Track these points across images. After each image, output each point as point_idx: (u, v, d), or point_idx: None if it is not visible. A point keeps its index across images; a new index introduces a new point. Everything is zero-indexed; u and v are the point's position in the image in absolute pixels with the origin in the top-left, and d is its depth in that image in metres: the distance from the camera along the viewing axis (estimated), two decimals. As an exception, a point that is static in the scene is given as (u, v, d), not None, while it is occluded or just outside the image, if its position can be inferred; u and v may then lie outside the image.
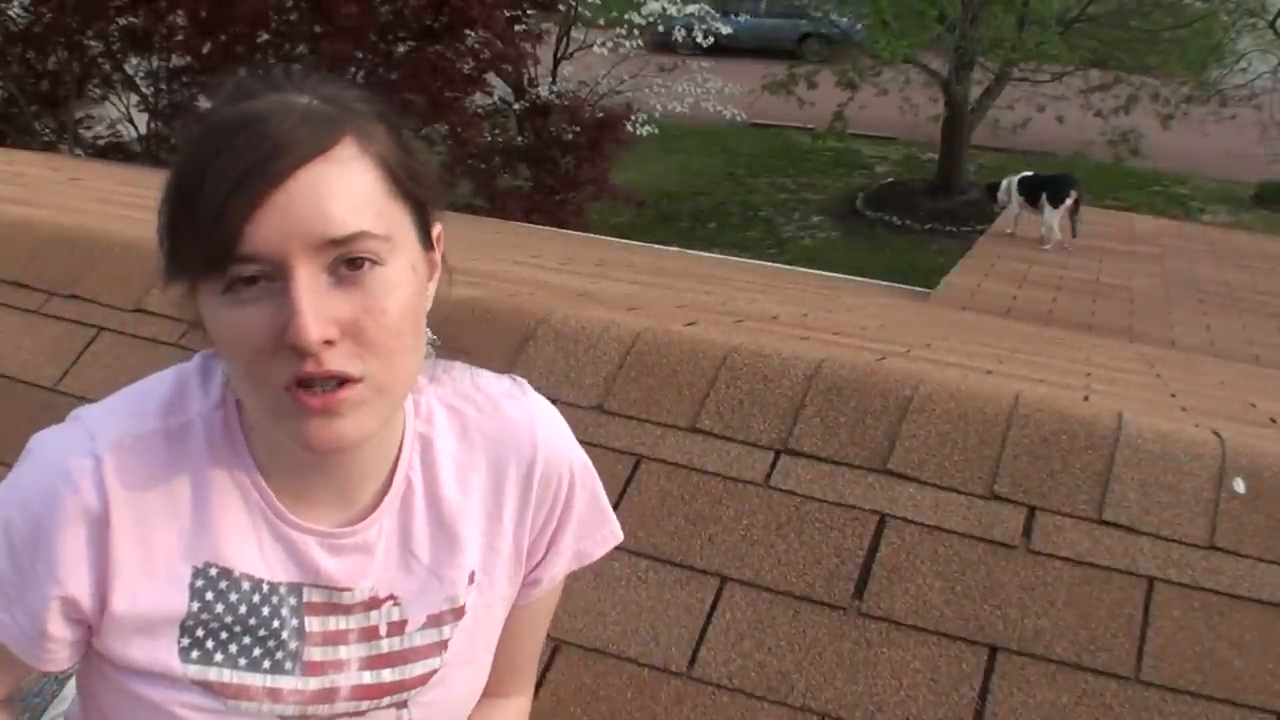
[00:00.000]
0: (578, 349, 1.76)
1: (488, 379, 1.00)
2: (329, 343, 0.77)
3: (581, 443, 1.64)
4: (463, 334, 1.79)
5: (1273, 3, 13.86)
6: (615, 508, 1.57)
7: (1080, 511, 1.49)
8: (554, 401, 1.73)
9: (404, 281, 0.81)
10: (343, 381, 0.79)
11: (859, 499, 1.54)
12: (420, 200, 0.85)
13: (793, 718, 1.38)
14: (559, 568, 1.03)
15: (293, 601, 0.90)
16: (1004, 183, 8.41)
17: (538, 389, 1.72)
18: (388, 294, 0.80)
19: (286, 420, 0.80)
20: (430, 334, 0.93)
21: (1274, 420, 2.23)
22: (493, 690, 1.06)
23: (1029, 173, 8.44)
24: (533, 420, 0.99)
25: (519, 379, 1.02)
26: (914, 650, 1.41)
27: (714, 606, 1.47)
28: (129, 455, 0.86)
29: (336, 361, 0.78)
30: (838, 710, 1.38)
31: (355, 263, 0.78)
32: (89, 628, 0.88)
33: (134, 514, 0.86)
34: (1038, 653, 1.39)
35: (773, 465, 1.59)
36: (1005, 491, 1.52)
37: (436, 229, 0.89)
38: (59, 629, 0.87)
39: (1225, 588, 1.41)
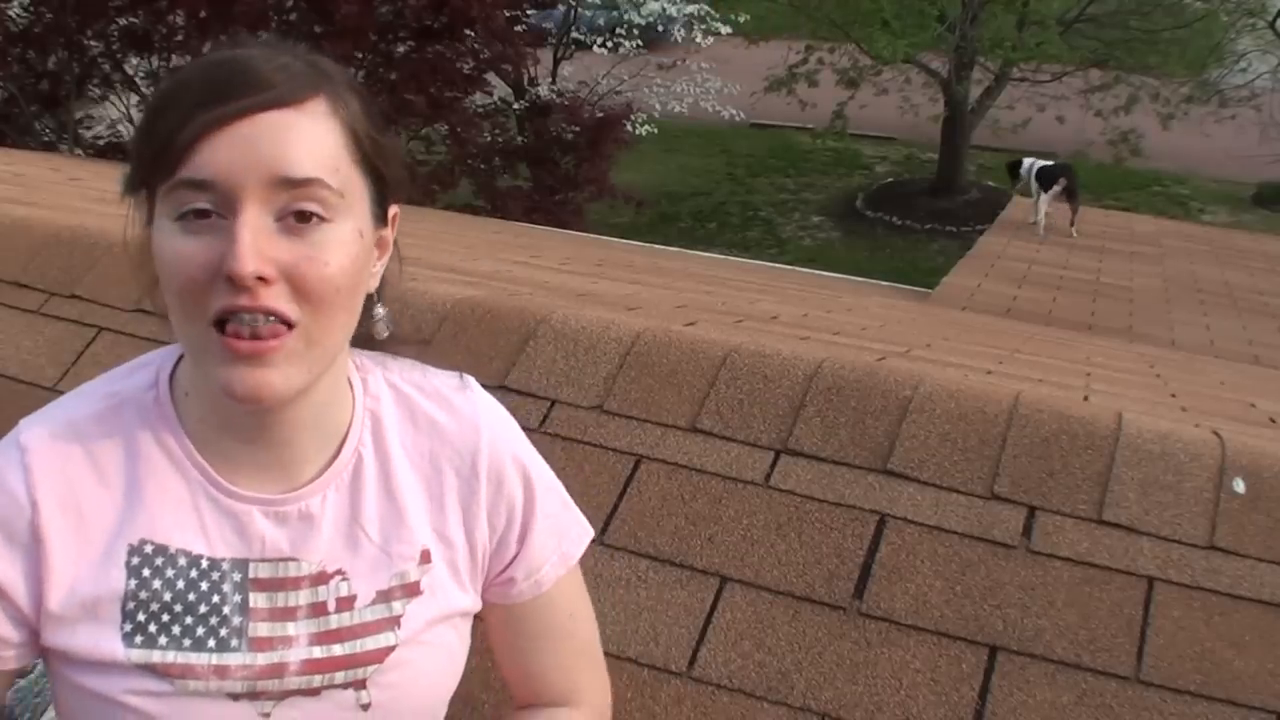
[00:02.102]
0: (578, 349, 1.76)
1: (434, 372, 1.01)
2: (264, 280, 0.79)
3: (581, 443, 1.65)
4: (463, 334, 1.80)
5: (1273, 3, 13.88)
6: (615, 508, 1.58)
7: (1080, 511, 1.49)
8: (554, 402, 1.74)
9: (349, 242, 0.84)
10: (275, 333, 0.80)
11: (859, 499, 1.54)
12: (380, 175, 0.88)
13: (793, 718, 1.38)
14: (537, 566, 1.01)
15: (236, 577, 0.89)
16: (1025, 162, 8.80)
17: (538, 389, 1.72)
18: (332, 249, 0.82)
19: (213, 364, 0.82)
20: (381, 309, 0.94)
21: (1274, 420, 2.23)
22: (529, 699, 1.06)
23: (1047, 162, 8.86)
24: (477, 414, 0.99)
25: (465, 376, 1.03)
26: (914, 650, 1.41)
27: (714, 606, 1.47)
28: (56, 442, 0.88)
29: (270, 298, 0.80)
30: (838, 710, 1.38)
31: (304, 215, 0.81)
32: (32, 630, 0.88)
33: (63, 498, 0.87)
34: (1038, 653, 1.39)
35: (773, 465, 1.59)
36: (1005, 491, 1.52)
37: (393, 210, 0.91)
38: (3, 627, 0.87)
39: (1225, 588, 1.41)
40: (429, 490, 0.96)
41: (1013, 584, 1.44)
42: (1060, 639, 1.39)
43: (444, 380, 1.01)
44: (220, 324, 0.80)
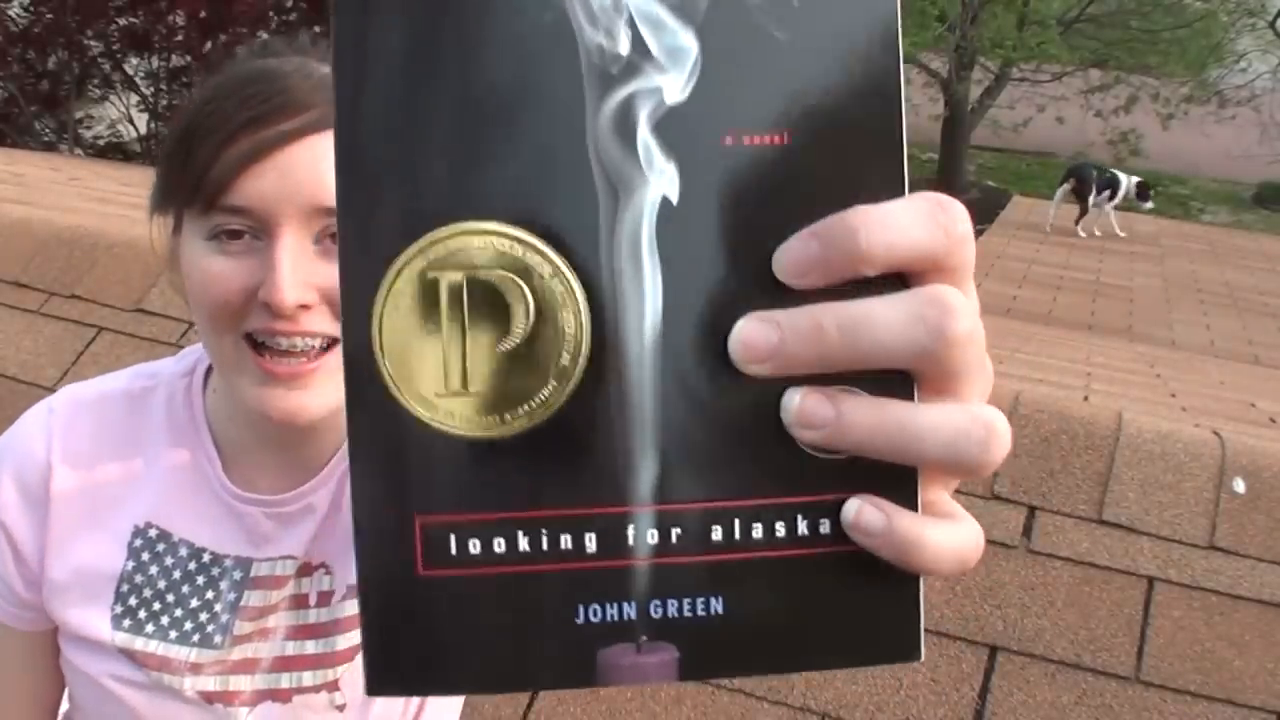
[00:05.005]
0: (578, 349, 1.76)
1: None
2: (305, 307, 0.77)
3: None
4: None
5: (1273, 3, 13.89)
6: (615, 508, 1.58)
7: (1080, 511, 1.49)
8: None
9: None
10: (320, 350, 0.78)
11: (859, 499, 1.54)
12: None
13: (793, 718, 1.38)
14: None
15: (237, 575, 0.89)
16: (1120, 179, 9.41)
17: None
18: None
19: (245, 382, 0.79)
20: None
21: (1274, 420, 2.23)
22: None
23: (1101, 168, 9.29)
24: None
25: None
26: (914, 650, 1.41)
27: (714, 606, 1.47)
28: (83, 409, 0.89)
29: (310, 322, 0.78)
30: (838, 710, 1.38)
31: None
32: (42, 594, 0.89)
33: (79, 464, 0.88)
34: (1038, 653, 1.39)
35: (773, 465, 1.59)
36: (1005, 491, 1.52)
37: None
38: (18, 584, 0.88)
39: (1225, 588, 1.41)
40: None
41: (1013, 584, 1.44)
42: (1060, 639, 1.39)
43: None
44: (250, 337, 0.78)
